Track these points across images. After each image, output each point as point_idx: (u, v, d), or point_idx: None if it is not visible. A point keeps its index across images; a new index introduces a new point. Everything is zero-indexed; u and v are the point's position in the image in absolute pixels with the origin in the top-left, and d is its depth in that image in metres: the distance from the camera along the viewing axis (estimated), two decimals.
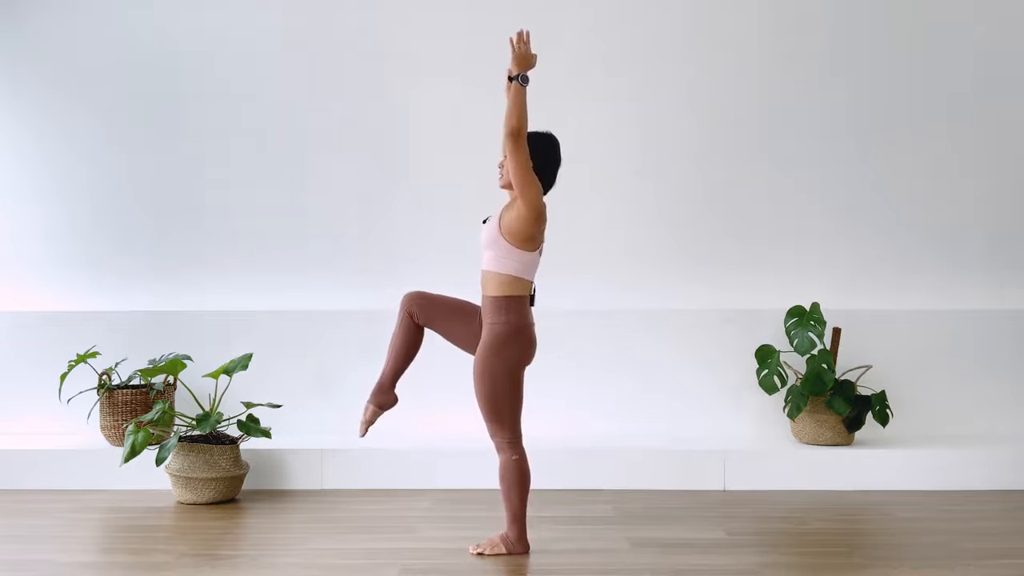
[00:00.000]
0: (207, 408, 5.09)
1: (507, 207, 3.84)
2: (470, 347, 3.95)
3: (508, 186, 3.85)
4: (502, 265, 3.81)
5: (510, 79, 3.77)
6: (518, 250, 3.80)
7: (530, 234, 3.78)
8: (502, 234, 3.80)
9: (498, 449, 3.88)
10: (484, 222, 3.94)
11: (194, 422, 4.80)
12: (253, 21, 5.82)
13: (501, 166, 3.88)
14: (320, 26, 5.81)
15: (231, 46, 5.81)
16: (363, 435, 4.08)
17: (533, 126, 5.07)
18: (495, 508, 4.30)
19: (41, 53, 5.83)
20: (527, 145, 3.74)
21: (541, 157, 3.82)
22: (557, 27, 5.77)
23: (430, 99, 5.78)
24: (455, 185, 5.68)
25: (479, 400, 3.85)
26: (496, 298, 3.83)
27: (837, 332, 5.38)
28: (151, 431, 4.69)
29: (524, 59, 3.78)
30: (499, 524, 4.14)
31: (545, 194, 3.85)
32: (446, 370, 5.40)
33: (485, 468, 4.51)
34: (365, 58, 5.80)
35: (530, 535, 4.04)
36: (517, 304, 3.82)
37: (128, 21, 5.83)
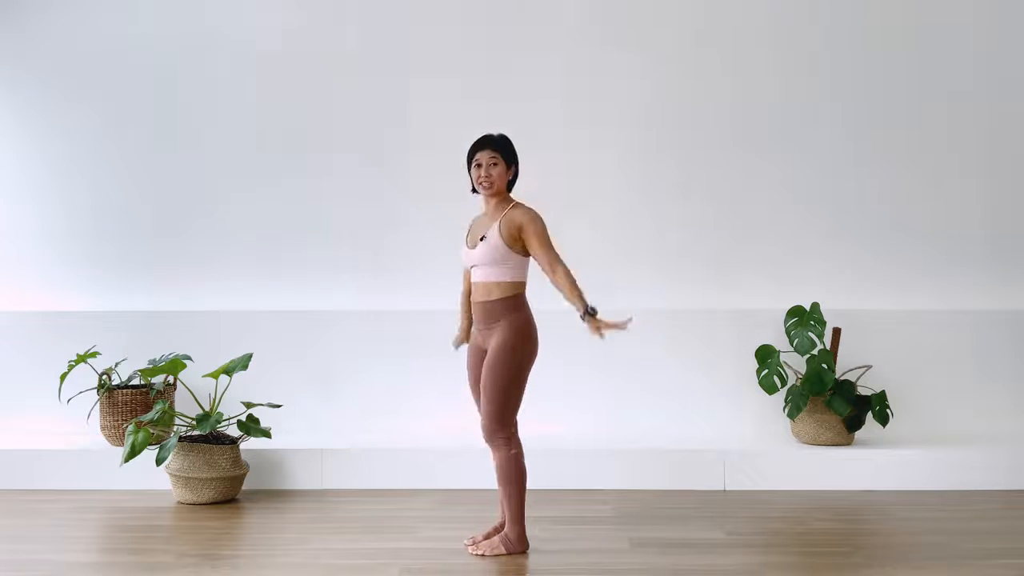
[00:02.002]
0: (207, 408, 5.09)
1: (503, 221, 3.86)
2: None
3: (498, 193, 3.92)
4: (511, 273, 3.89)
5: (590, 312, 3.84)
6: (523, 257, 3.92)
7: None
8: (511, 248, 3.86)
9: (496, 446, 3.89)
10: (475, 243, 3.92)
11: (194, 422, 4.80)
12: (253, 21, 5.82)
13: (492, 164, 3.89)
14: (320, 26, 5.81)
15: (231, 47, 5.81)
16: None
17: (521, 122, 5.10)
18: (495, 508, 4.29)
19: (41, 53, 5.84)
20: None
21: (516, 158, 3.98)
22: (556, 25, 5.77)
23: (430, 99, 5.78)
24: (454, 185, 5.65)
25: (492, 393, 3.85)
26: (510, 298, 3.89)
27: (837, 332, 5.38)
28: (151, 431, 4.69)
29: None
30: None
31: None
32: (445, 371, 5.41)
33: (484, 468, 4.51)
34: (365, 58, 5.80)
35: (530, 535, 4.04)
36: (525, 300, 3.95)
37: (128, 21, 5.83)
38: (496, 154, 3.89)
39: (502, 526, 4.03)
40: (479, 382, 3.95)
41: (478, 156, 3.91)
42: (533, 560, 3.86)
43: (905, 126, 5.78)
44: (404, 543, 4.07)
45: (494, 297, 3.88)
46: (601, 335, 3.78)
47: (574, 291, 3.81)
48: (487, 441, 3.92)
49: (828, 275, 5.73)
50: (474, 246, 3.92)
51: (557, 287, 3.84)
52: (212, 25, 5.82)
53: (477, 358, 3.99)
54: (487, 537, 4.01)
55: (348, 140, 5.79)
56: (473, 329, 4.02)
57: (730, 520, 4.44)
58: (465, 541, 4.02)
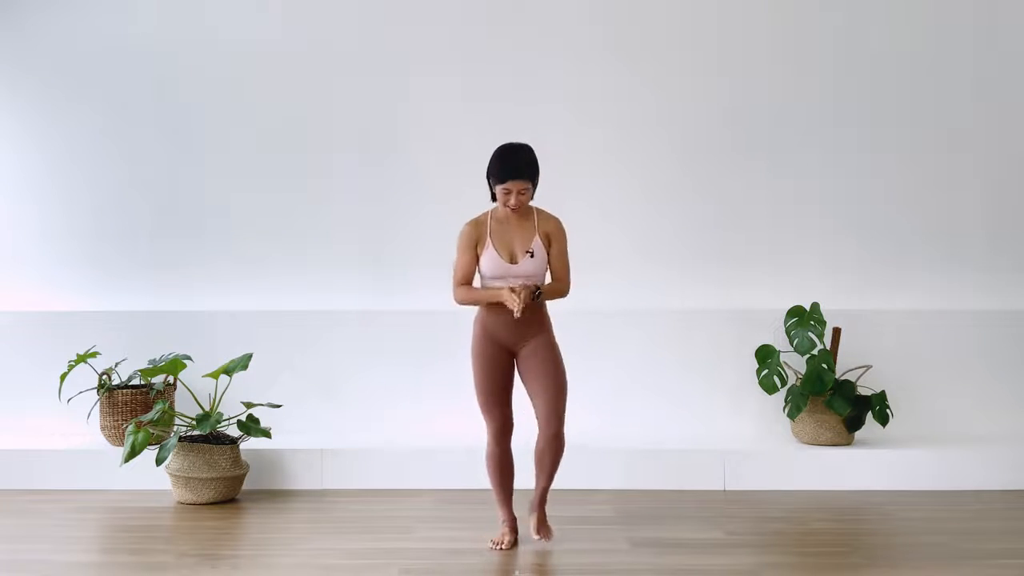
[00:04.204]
0: (207, 408, 5.09)
1: (542, 235, 3.96)
2: (518, 355, 4.04)
3: (519, 208, 3.94)
4: (545, 279, 4.03)
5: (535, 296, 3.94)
6: None
7: None
8: (547, 256, 3.99)
9: (561, 438, 4.00)
10: (514, 258, 3.94)
11: (194, 422, 4.80)
12: (254, 21, 5.82)
13: (522, 193, 3.90)
14: (320, 26, 5.81)
15: (231, 47, 5.81)
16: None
17: (528, 124, 5.09)
18: (492, 507, 4.27)
19: (41, 53, 5.83)
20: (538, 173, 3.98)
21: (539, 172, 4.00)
22: (557, 24, 5.77)
23: (430, 100, 5.77)
24: (455, 185, 5.67)
25: (562, 393, 3.98)
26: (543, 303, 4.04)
27: (837, 332, 5.38)
28: (151, 431, 4.69)
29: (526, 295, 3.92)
30: (497, 524, 4.13)
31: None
32: (445, 371, 5.42)
33: (483, 468, 4.50)
34: (365, 58, 5.79)
35: (532, 534, 4.07)
36: None
37: (128, 21, 5.82)
38: (528, 184, 3.91)
39: (515, 521, 4.07)
40: (507, 382, 4.00)
41: (509, 184, 3.89)
42: (533, 560, 3.86)
43: (905, 126, 5.78)
44: (403, 543, 4.07)
45: (539, 301, 3.98)
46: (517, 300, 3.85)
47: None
48: (553, 437, 3.97)
49: (828, 275, 5.72)
50: (514, 260, 3.93)
51: (555, 291, 4.00)
52: (212, 25, 5.82)
53: (504, 359, 3.99)
54: (513, 533, 4.03)
55: (348, 140, 5.79)
56: (495, 330, 3.97)
57: (730, 520, 4.44)
58: (491, 545, 4.01)
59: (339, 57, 5.80)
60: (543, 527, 4.03)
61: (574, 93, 5.76)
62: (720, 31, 5.79)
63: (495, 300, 3.90)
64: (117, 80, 5.83)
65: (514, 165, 3.88)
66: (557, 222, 4.01)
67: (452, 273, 4.03)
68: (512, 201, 3.89)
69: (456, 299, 4.03)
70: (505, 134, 4.22)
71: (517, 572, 3.72)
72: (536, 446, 4.02)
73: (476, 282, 4.06)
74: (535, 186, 3.96)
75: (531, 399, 4.01)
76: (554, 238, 3.98)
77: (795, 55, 5.78)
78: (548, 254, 3.98)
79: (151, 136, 5.83)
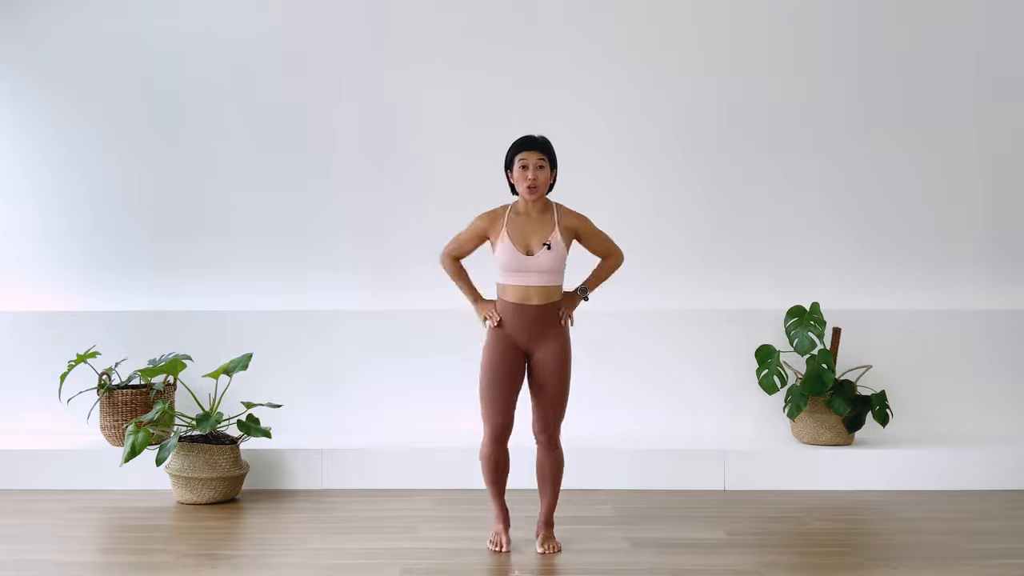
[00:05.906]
0: (207, 408, 5.09)
1: (563, 229, 3.92)
2: (531, 356, 4.01)
3: (541, 197, 3.93)
4: (562, 277, 4.00)
5: (584, 298, 4.07)
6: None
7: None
8: (566, 253, 3.96)
9: (557, 446, 3.99)
10: (531, 251, 3.91)
11: (194, 422, 4.80)
12: (254, 21, 5.82)
13: (540, 166, 3.88)
14: (320, 27, 5.81)
15: (232, 47, 5.81)
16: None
17: (522, 121, 5.08)
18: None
19: (41, 53, 5.84)
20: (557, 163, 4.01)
21: (556, 162, 4.00)
22: (558, 25, 5.77)
23: (430, 98, 5.78)
24: (455, 184, 5.68)
25: (563, 399, 3.96)
26: (559, 300, 4.00)
27: (837, 332, 5.38)
28: (151, 431, 4.69)
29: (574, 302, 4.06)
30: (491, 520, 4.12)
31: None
32: (445, 371, 5.42)
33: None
34: (366, 59, 5.80)
35: (531, 535, 4.05)
36: None
37: (128, 21, 5.83)
38: (544, 157, 3.88)
39: (507, 514, 4.06)
40: (516, 383, 3.95)
41: (524, 156, 3.87)
42: (534, 560, 3.86)
43: (906, 126, 5.78)
44: (404, 543, 4.07)
45: (554, 300, 3.95)
46: (570, 314, 4.02)
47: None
48: (548, 444, 3.97)
49: (828, 275, 5.73)
50: (530, 253, 3.90)
51: (609, 268, 4.05)
52: (212, 25, 5.82)
53: (517, 360, 3.95)
54: (507, 530, 4.02)
55: (349, 140, 5.79)
56: (512, 331, 3.94)
57: (730, 520, 4.44)
58: (490, 546, 4.00)
59: (340, 57, 5.80)
60: (549, 541, 4.01)
61: (576, 93, 5.76)
62: (723, 30, 5.79)
63: (467, 298, 4.05)
64: (117, 80, 5.83)
65: (526, 140, 3.91)
66: (576, 214, 3.97)
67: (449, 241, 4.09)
68: (530, 174, 3.85)
69: (441, 260, 4.09)
70: (505, 133, 4.22)
71: (517, 572, 3.72)
72: (536, 460, 4.03)
73: (472, 273, 4.11)
74: (553, 166, 3.92)
75: (532, 399, 4.00)
76: (582, 229, 3.96)
77: (797, 55, 5.79)
78: (582, 244, 4.00)
79: (151, 136, 5.83)
